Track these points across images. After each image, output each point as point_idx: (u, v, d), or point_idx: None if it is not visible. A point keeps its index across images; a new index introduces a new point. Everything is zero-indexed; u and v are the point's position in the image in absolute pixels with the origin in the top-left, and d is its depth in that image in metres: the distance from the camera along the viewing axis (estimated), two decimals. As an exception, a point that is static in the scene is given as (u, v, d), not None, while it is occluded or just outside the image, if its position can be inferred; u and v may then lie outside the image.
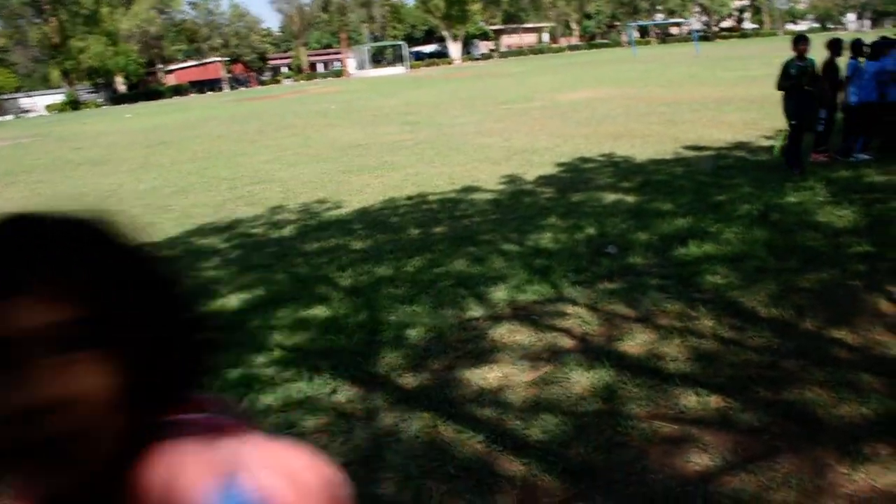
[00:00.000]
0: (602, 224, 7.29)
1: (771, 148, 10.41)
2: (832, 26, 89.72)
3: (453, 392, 4.08)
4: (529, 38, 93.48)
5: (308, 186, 11.49)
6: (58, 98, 63.23)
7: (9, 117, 58.62)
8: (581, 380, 4.06)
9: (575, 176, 10.22)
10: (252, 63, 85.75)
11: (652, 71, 34.05)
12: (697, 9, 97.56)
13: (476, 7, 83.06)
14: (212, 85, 72.53)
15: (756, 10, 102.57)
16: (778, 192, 7.92)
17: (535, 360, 4.39)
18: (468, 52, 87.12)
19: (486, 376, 4.22)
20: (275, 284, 6.45)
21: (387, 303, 5.60)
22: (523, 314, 5.14)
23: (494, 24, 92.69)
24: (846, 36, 11.57)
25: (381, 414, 3.93)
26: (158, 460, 0.70)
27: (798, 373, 3.92)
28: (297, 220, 9.08)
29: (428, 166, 12.35)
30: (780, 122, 13.27)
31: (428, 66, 75.84)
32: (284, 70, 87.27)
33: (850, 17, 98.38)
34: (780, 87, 9.23)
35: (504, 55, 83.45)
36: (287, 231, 8.57)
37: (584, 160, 11.45)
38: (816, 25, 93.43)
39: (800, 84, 8.98)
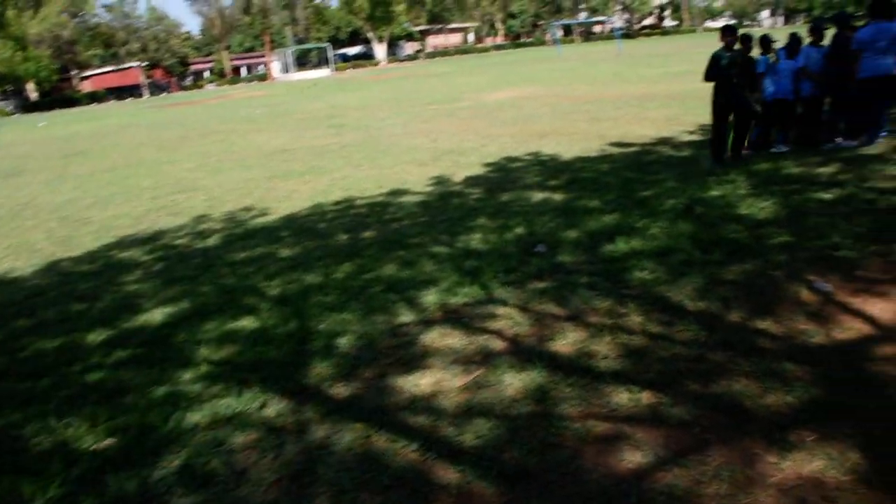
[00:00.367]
0: (531, 223, 7.31)
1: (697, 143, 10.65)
2: (748, 23, 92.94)
3: (385, 400, 4.01)
4: (455, 39, 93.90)
5: (233, 194, 11.23)
6: (-37, 107, 60.56)
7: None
8: (513, 382, 4.04)
9: (503, 175, 10.26)
10: (173, 68, 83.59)
11: (576, 69, 34.59)
12: (619, 7, 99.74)
13: (401, 8, 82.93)
14: (131, 91, 70.46)
15: (676, 8, 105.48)
16: (701, 186, 8.09)
17: (466, 363, 4.35)
18: (394, 54, 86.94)
19: (419, 383, 4.17)
20: (200, 296, 6.26)
21: (316, 311, 5.48)
22: (454, 317, 5.10)
23: (419, 25, 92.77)
24: (759, 32, 11.92)
25: (313, 427, 3.83)
26: None
27: (725, 364, 3.98)
28: (222, 229, 8.85)
29: (355, 170, 12.22)
30: (701, 117, 13.68)
31: (354, 67, 75.39)
32: (207, 75, 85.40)
33: (765, 13, 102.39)
34: (707, 78, 9.23)
35: (430, 56, 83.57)
36: (212, 241, 8.34)
37: (512, 159, 11.51)
38: (733, 22, 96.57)
39: (729, 76, 9.02)
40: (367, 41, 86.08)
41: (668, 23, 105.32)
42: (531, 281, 5.63)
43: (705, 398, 3.67)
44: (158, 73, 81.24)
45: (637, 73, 27.58)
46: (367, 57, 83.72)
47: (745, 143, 9.68)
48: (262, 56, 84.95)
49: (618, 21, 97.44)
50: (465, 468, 3.31)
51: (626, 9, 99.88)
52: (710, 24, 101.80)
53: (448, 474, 3.29)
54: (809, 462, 3.10)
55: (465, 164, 11.51)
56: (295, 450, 3.64)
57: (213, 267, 7.17)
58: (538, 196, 8.60)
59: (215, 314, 5.71)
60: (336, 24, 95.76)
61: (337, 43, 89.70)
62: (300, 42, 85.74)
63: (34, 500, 3.45)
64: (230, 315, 5.65)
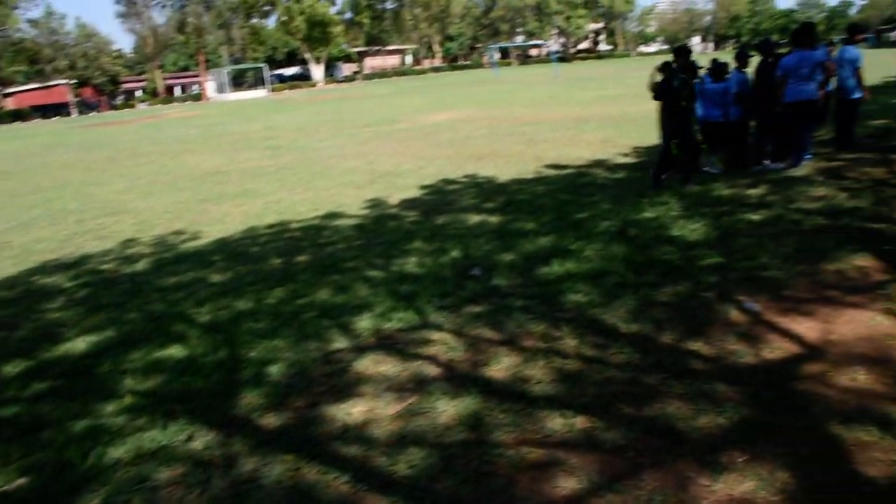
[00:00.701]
0: (467, 246, 7.29)
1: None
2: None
3: (317, 430, 3.90)
4: (393, 60, 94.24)
5: (164, 217, 10.94)
6: None
7: None
8: (447, 409, 3.98)
9: (439, 198, 10.25)
10: (103, 86, 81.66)
11: (513, 91, 35.04)
12: (555, 31, 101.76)
13: (338, 29, 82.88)
14: (58, 109, 68.26)
15: (610, 33, 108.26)
16: (635, 208, 8.21)
17: (400, 391, 4.27)
18: (331, 75, 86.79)
19: (351, 411, 4.07)
20: (126, 324, 6.03)
21: (247, 338, 5.34)
22: (388, 343, 5.02)
23: (357, 47, 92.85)
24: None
25: (241, 459, 3.70)
26: None
27: (658, 387, 4.00)
28: (151, 254, 8.58)
29: (290, 193, 12.05)
30: (636, 138, 13.97)
31: (290, 88, 74.85)
32: (139, 94, 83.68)
33: (696, 39, 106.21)
34: (657, 97, 9.17)
35: (368, 77, 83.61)
36: (140, 266, 8.08)
37: (448, 182, 11.52)
38: (665, 47, 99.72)
39: (680, 97, 8.97)
40: (304, 62, 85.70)
41: (603, 47, 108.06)
42: (466, 305, 5.59)
43: (639, 421, 3.68)
44: (88, 92, 79.22)
45: (573, 96, 28.07)
46: (304, 78, 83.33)
47: (694, 166, 9.70)
48: (197, 76, 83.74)
49: (554, 45, 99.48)
50: (398, 499, 3.23)
51: (562, 33, 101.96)
52: (643, 48, 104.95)
53: (380, 507, 3.20)
54: (741, 483, 3.12)
55: (401, 187, 11.47)
56: (222, 484, 3.50)
57: (141, 293, 6.94)
58: (474, 219, 8.60)
59: (142, 342, 5.51)
60: (273, 45, 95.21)
61: (274, 63, 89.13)
62: (236, 62, 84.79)
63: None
64: (157, 343, 5.45)
